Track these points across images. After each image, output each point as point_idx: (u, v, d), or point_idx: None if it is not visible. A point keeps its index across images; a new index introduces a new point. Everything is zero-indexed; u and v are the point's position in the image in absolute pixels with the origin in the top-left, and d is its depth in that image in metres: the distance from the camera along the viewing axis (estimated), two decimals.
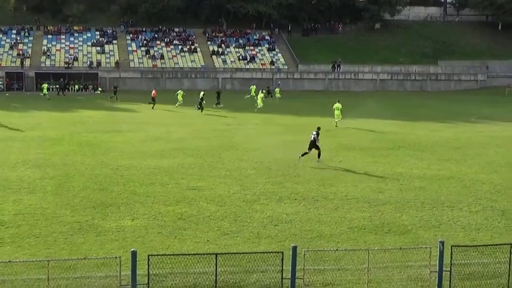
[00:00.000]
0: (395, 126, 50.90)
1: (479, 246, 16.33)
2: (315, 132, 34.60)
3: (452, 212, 24.40)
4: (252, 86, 70.55)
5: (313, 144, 34.31)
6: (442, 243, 13.71)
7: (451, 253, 13.71)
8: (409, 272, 17.16)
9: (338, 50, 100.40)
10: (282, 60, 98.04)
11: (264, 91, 69.14)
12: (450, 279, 14.05)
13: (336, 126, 49.38)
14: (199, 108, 59.77)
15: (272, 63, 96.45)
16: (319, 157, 34.29)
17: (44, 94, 73.75)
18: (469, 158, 36.54)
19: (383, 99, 67.48)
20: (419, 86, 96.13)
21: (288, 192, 27.02)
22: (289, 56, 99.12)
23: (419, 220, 23.17)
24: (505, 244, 15.01)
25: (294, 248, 14.03)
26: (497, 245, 16.15)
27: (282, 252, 14.16)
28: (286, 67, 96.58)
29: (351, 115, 53.47)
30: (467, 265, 16.32)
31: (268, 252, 15.90)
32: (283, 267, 14.07)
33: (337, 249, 18.51)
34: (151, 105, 63.58)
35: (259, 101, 63.67)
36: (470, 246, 16.27)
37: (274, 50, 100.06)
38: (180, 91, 66.82)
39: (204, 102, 60.21)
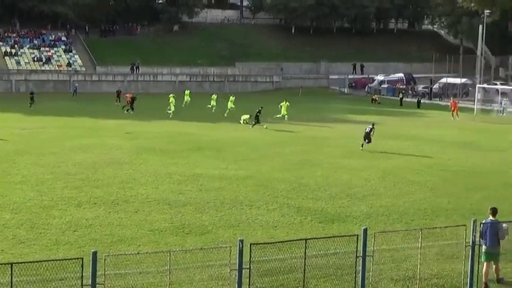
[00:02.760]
0: (195, 127, 51.41)
1: (276, 242, 16.84)
2: (370, 126, 41.65)
3: (251, 210, 25.03)
4: (213, 96, 67.78)
5: (368, 136, 41.09)
6: (242, 241, 13.98)
7: (250, 251, 14.02)
8: (210, 272, 17.38)
9: (137, 51, 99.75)
10: (79, 61, 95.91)
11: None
12: (250, 276, 14.37)
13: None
14: None
15: (69, 64, 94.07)
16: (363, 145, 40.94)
17: None
18: (265, 157, 37.68)
19: (183, 101, 67.90)
20: (218, 87, 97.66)
21: (87, 197, 26.45)
22: (87, 58, 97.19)
23: (219, 220, 23.55)
24: (300, 239, 15.59)
25: (94, 254, 13.71)
26: (293, 240, 16.74)
27: (82, 258, 13.80)
28: (83, 69, 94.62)
29: (153, 117, 53.40)
30: (265, 261, 16.79)
31: (67, 259, 15.45)
32: (84, 274, 13.72)
33: (138, 253, 18.36)
34: None
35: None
36: (268, 243, 16.72)
37: (71, 52, 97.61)
38: None
39: None
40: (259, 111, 52.32)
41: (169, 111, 60.11)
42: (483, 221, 17.83)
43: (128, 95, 64.82)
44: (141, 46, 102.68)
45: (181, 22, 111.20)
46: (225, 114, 59.91)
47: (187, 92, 71.32)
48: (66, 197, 26.40)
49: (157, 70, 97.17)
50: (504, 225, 17.79)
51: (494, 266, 17.75)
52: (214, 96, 65.73)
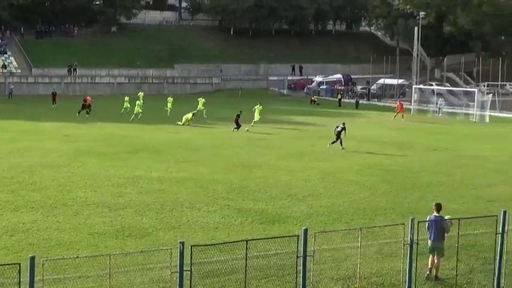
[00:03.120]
0: (135, 129, 50.97)
1: (217, 244, 16.81)
2: (341, 126, 42.63)
3: (191, 212, 24.95)
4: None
5: (339, 135, 42.26)
6: (182, 243, 13.91)
7: (191, 253, 13.96)
8: (151, 275, 17.26)
9: (74, 53, 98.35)
10: (14, 63, 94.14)
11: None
12: (191, 278, 14.30)
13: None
14: None
15: (4, 66, 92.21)
16: (341, 144, 42.19)
17: None
18: (205, 158, 37.61)
19: (122, 103, 67.22)
20: (157, 89, 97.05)
21: (24, 201, 25.95)
22: (23, 59, 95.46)
23: (159, 222, 23.40)
24: (241, 241, 15.58)
25: (32, 258, 13.47)
26: (234, 242, 16.73)
27: (19, 264, 13.53)
28: (19, 71, 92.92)
29: (92, 120, 52.78)
30: (206, 263, 16.74)
31: (4, 264, 15.13)
32: (21, 279, 13.45)
33: (77, 257, 18.09)
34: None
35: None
36: (209, 245, 16.69)
37: (6, 53, 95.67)
38: None
39: None
40: (239, 116, 51.76)
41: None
42: (428, 217, 18.38)
43: (88, 98, 63.65)
44: (78, 47, 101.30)
45: (119, 23, 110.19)
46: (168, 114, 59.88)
47: (140, 94, 69.36)
48: (2, 201, 25.87)
49: (95, 72, 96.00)
50: (447, 216, 18.44)
51: (436, 261, 18.15)
52: (170, 99, 64.52)
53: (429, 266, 18.26)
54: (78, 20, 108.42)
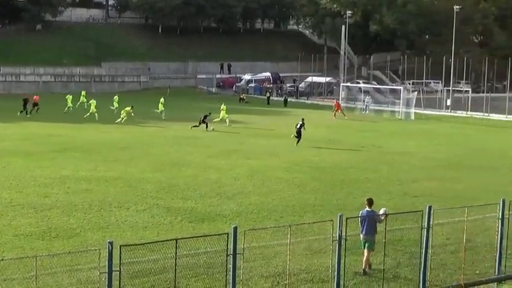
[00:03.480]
0: (64, 128, 50.14)
1: (146, 243, 16.67)
2: (300, 122, 44.21)
3: (120, 212, 24.71)
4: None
5: (299, 131, 43.71)
6: (111, 243, 13.75)
7: (120, 253, 13.81)
8: (79, 276, 17.03)
9: None
10: None
11: None
12: (120, 278, 14.15)
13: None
14: None
15: None
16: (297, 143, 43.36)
17: None
18: (135, 157, 37.30)
19: (48, 101, 66.12)
20: (84, 87, 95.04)
21: None
22: None
23: (87, 222, 23.09)
24: (170, 240, 15.51)
25: None
26: (163, 241, 16.61)
27: None
28: None
29: (18, 119, 51.70)
30: (136, 263, 16.60)
31: None
32: None
33: (2, 259, 17.65)
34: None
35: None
36: (138, 245, 16.54)
37: None
38: None
39: None
40: (206, 117, 51.82)
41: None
42: (360, 212, 18.92)
43: (35, 97, 62.16)
44: (2, 46, 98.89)
45: (45, 21, 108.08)
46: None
47: (83, 93, 68.23)
48: None
49: (20, 70, 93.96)
50: (383, 209, 19.13)
51: (366, 255, 18.46)
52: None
53: (363, 267, 18.67)
54: (1, 17, 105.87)
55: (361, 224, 18.71)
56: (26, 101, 60.02)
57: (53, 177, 30.76)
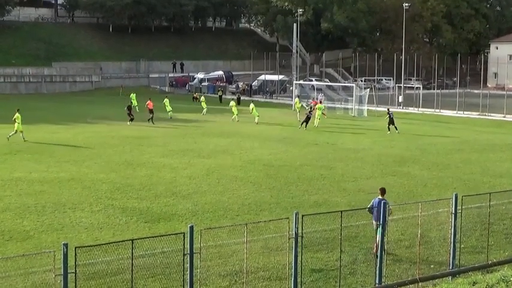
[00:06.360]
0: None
1: (102, 244, 16.51)
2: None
3: (75, 213, 24.44)
4: (132, 95, 62.13)
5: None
6: (66, 245, 13.59)
7: (75, 254, 13.65)
8: (33, 278, 16.81)
9: None
10: None
11: None
12: (76, 280, 14.00)
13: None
14: None
15: None
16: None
17: None
18: (88, 158, 36.92)
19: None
20: (35, 88, 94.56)
21: None
22: None
23: (41, 224, 22.79)
24: (126, 240, 15.41)
25: None
26: (119, 242, 16.51)
27: None
28: None
29: None
30: (92, 264, 16.47)
31: None
32: None
33: None
34: None
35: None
36: (94, 246, 16.39)
37: None
38: None
39: None
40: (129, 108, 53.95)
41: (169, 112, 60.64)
42: (372, 200, 20.12)
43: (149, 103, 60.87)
44: None
45: None
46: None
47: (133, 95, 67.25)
48: None
49: None
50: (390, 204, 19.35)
51: (376, 240, 18.86)
52: (133, 95, 62.09)
53: (374, 246, 19.23)
54: None
55: (372, 211, 19.84)
56: (129, 108, 57.16)
57: (4, 179, 30.31)
